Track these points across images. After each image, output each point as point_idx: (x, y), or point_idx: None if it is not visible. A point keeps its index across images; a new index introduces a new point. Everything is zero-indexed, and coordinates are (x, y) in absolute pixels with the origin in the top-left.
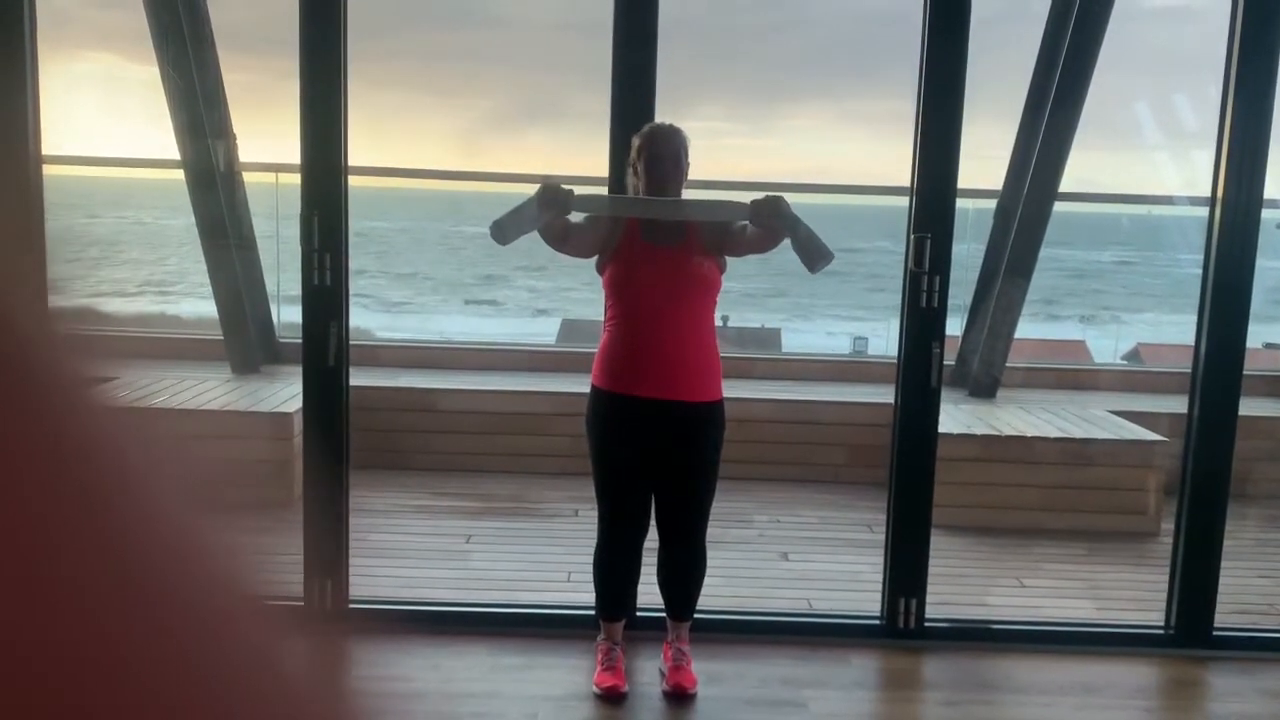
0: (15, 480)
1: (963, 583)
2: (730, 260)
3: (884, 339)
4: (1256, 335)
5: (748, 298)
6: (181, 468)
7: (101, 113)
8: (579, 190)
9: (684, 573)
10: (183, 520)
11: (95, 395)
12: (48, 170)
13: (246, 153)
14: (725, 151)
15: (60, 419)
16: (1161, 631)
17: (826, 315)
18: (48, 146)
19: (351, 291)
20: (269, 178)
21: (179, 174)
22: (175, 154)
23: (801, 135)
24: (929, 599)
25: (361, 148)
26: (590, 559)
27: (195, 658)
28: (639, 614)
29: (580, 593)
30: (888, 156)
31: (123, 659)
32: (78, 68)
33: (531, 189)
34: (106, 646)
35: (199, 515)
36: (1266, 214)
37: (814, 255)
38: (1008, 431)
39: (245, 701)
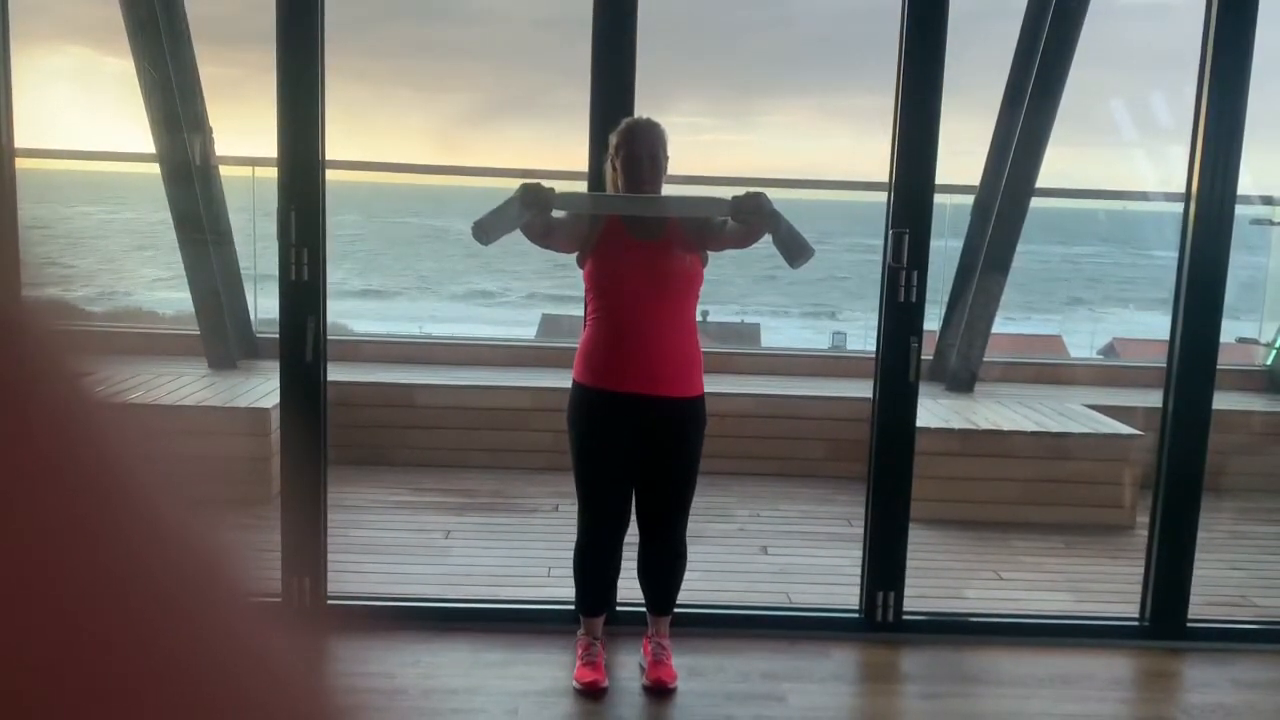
0: (8, 473)
1: (941, 576)
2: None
3: (862, 334)
4: (1230, 330)
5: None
6: (172, 462)
7: (76, 106)
8: (560, 187)
9: (664, 568)
10: (177, 515)
11: (87, 388)
12: (20, 164)
13: (223, 147)
14: (705, 147)
15: (55, 412)
16: (1137, 623)
17: (805, 310)
18: (20, 139)
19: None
20: (246, 172)
21: (141, 168)
22: (150, 148)
23: (782, 131)
24: (907, 592)
25: (339, 142)
26: (570, 554)
27: (187, 652)
28: (619, 609)
29: (561, 588)
30: (868, 152)
31: (113, 652)
32: (52, 60)
33: (513, 184)
34: (97, 641)
35: (192, 510)
36: (1240, 210)
37: (795, 251)
38: (985, 426)
39: (235, 697)
